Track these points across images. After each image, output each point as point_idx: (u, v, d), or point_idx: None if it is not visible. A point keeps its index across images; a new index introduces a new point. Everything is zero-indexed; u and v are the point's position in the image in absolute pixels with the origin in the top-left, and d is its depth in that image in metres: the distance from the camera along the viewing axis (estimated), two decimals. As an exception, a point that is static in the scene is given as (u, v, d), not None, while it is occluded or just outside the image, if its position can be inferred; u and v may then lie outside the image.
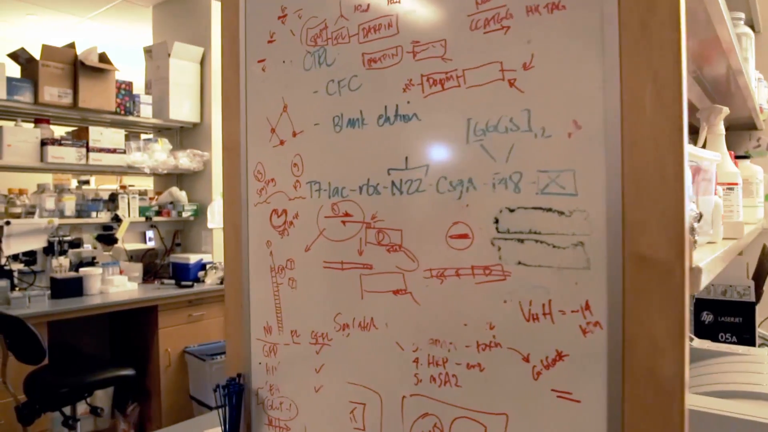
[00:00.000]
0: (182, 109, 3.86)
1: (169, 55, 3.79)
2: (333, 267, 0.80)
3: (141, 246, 4.47)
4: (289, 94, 0.85)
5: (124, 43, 5.12)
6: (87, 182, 5.59)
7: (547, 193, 0.62)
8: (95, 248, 3.84)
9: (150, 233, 4.93)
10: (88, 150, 3.40)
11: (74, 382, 2.57)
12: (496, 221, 0.65)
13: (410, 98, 0.72)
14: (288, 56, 0.85)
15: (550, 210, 0.62)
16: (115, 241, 4.24)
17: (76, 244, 3.93)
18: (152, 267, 4.01)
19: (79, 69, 3.31)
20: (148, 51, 3.93)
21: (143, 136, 3.94)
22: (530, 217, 0.63)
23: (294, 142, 0.85)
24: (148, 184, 4.26)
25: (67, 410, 2.67)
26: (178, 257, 3.87)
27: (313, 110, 0.82)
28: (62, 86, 3.27)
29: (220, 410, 0.94)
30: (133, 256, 3.99)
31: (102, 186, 5.36)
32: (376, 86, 0.75)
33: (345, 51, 0.78)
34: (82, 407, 2.82)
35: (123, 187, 3.90)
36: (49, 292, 3.18)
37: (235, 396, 0.93)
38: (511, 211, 0.64)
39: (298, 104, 0.84)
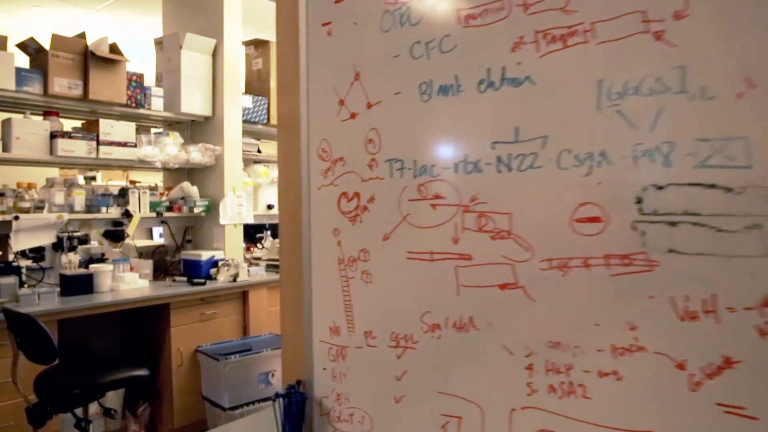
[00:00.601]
0: (194, 102, 3.75)
1: (180, 46, 3.68)
2: (420, 258, 0.70)
3: (148, 243, 4.36)
4: (362, 61, 0.74)
5: (132, 36, 5.01)
6: (93, 178, 5.47)
7: (710, 165, 0.51)
8: (101, 245, 3.73)
9: (159, 229, 4.83)
10: (98, 143, 3.29)
11: (87, 382, 2.46)
12: (639, 201, 0.55)
13: (521, 59, 0.61)
14: (360, 17, 0.74)
15: (713, 186, 0.51)
16: (123, 238, 4.13)
17: (83, 240, 3.83)
18: (162, 264, 3.90)
19: (90, 60, 3.19)
20: (158, 42, 3.82)
21: (153, 130, 3.84)
22: (686, 196, 0.52)
23: (369, 115, 0.74)
24: (156, 180, 4.15)
25: (78, 412, 2.56)
26: (190, 254, 3.76)
27: (394, 77, 0.71)
28: (72, 77, 3.16)
29: (278, 422, 0.83)
30: (142, 253, 3.88)
31: (110, 182, 5.25)
32: (476, 46, 0.64)
33: (434, 7, 0.67)
34: (92, 408, 2.72)
35: (133, 182, 3.79)
36: (58, 289, 3.07)
37: (296, 406, 0.81)
38: (659, 188, 0.53)
39: (373, 71, 0.73)
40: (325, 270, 0.81)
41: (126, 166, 3.72)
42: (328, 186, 0.79)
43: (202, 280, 3.48)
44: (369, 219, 0.75)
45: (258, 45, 4.23)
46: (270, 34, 4.60)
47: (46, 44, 3.10)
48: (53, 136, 3.12)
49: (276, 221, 4.71)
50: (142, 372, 2.59)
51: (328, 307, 0.81)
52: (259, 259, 4.21)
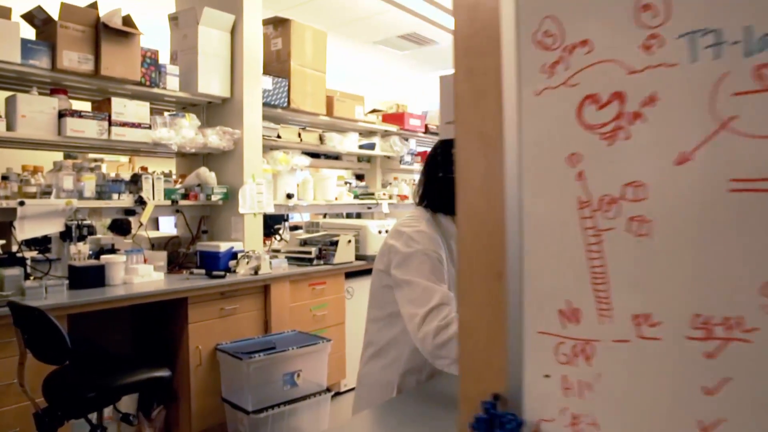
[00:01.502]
0: (211, 82, 3.49)
1: (197, 22, 3.42)
2: (755, 188, 0.44)
3: (159, 234, 4.10)
4: None
5: (143, 11, 4.72)
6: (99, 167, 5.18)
7: None
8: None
9: (169, 220, 4.56)
10: (110, 124, 3.03)
11: (102, 384, 2.21)
12: None
13: None
14: None
15: None
16: (129, 230, 3.87)
17: (90, 231, 3.57)
18: (176, 256, 3.65)
19: (102, 32, 2.94)
20: (173, 18, 3.56)
21: (165, 113, 3.58)
22: None
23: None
24: (165, 168, 3.89)
25: (92, 417, 2.31)
26: (207, 245, 3.51)
27: None
28: (83, 51, 2.90)
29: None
30: (154, 244, 3.63)
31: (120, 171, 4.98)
32: None
33: None
34: (106, 413, 2.46)
35: (144, 168, 3.53)
36: (67, 281, 2.81)
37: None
38: None
39: None
40: (549, 220, 0.54)
41: (139, 149, 3.46)
42: (557, 88, 0.53)
43: (222, 273, 3.23)
44: (644, 132, 0.48)
45: (277, 24, 3.97)
46: (290, 14, 4.34)
47: (54, 14, 2.85)
48: (62, 115, 2.87)
49: (296, 212, 4.45)
50: (164, 373, 2.34)
51: (555, 280, 0.54)
52: (278, 251, 3.96)
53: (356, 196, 4.84)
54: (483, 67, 0.60)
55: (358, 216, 5.25)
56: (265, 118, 3.79)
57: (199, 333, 3.09)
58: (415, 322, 1.36)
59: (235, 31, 3.58)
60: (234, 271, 3.37)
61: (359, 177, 5.62)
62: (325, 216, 5.04)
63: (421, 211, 1.60)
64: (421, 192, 1.63)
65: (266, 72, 3.76)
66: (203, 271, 3.26)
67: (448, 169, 1.55)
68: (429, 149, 5.93)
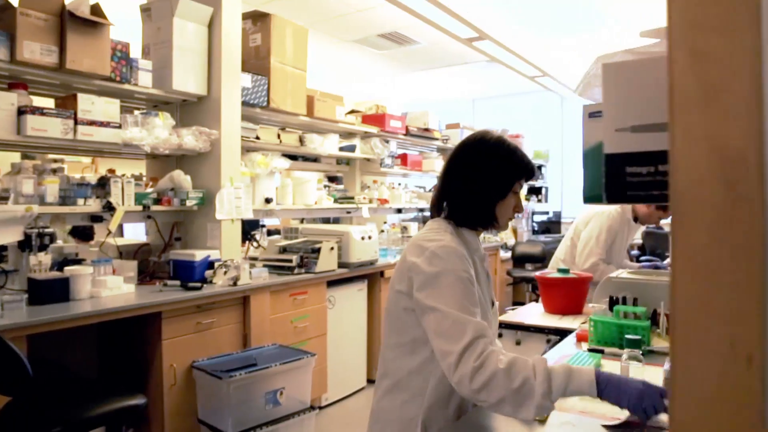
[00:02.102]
0: (187, 79, 3.25)
1: (172, 14, 3.18)
2: None
3: (126, 241, 3.82)
4: None
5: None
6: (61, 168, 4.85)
7: None
8: (66, 243, 3.19)
9: (137, 226, 4.28)
10: (76, 122, 2.76)
11: (69, 417, 1.96)
12: None
13: None
14: None
15: None
16: (92, 236, 3.59)
17: (52, 240, 3.29)
18: (146, 265, 3.40)
19: (68, 22, 2.67)
20: (146, 9, 3.31)
21: (136, 111, 3.32)
22: None
23: None
24: (133, 171, 3.62)
25: (57, 451, 2.06)
26: (181, 254, 3.27)
27: None
28: (45, 41, 2.63)
29: None
30: (122, 252, 3.37)
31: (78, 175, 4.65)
32: None
33: None
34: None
35: (112, 170, 3.26)
36: (26, 296, 2.55)
37: None
38: None
39: None
40: None
41: (103, 150, 3.19)
42: None
43: (199, 285, 3.00)
44: None
45: (257, 19, 3.75)
46: (269, 8, 4.12)
47: (14, 0, 2.57)
48: (21, 112, 2.59)
49: (274, 217, 4.23)
50: (138, 401, 2.11)
51: None
52: (255, 259, 3.74)
53: (336, 200, 4.65)
54: (722, 50, 0.44)
55: (336, 221, 5.06)
56: (244, 118, 3.56)
57: (174, 350, 2.85)
58: (449, 362, 1.20)
59: (212, 25, 3.35)
60: (211, 282, 3.14)
61: (332, 179, 5.42)
62: (302, 221, 4.83)
63: (441, 223, 1.44)
64: (442, 203, 1.47)
65: (244, 69, 3.54)
66: (178, 282, 3.02)
67: (472, 177, 1.40)
68: (408, 152, 5.73)
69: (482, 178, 1.37)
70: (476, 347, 1.18)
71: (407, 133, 5.31)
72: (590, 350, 1.76)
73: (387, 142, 5.04)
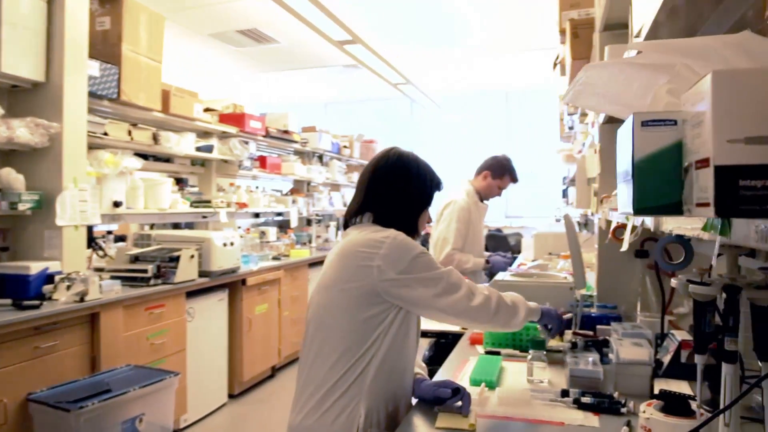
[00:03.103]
0: (19, 60, 2.77)
1: (-1, -18, 2.69)
2: None
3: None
4: None
5: None
6: None
7: None
8: None
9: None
10: None
11: None
12: None
13: None
14: None
15: None
16: None
17: None
18: (-39, 281, 2.82)
19: None
20: (-38, -27, 2.75)
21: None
22: None
23: None
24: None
25: None
26: (10, 266, 2.78)
27: None
28: None
29: None
30: (-72, 267, 2.76)
31: None
32: None
33: None
34: None
35: None
36: None
37: None
38: None
39: None
40: None
41: None
42: None
43: (36, 303, 2.57)
44: None
45: (104, 0, 3.33)
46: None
47: None
48: None
49: (122, 222, 3.80)
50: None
51: None
52: (101, 270, 3.31)
53: (192, 204, 4.31)
54: None
55: (187, 226, 4.70)
56: (90, 110, 3.14)
57: (4, 383, 2.40)
58: (458, 299, 1.37)
59: (53, 1, 2.90)
60: (51, 299, 2.71)
61: (179, 181, 5.02)
62: (152, 227, 4.41)
63: (373, 226, 1.46)
64: (362, 212, 1.48)
65: (90, 55, 3.12)
66: (9, 301, 2.56)
67: (401, 190, 1.48)
68: (264, 153, 5.52)
69: (411, 191, 1.48)
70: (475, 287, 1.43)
71: (267, 134, 5.12)
72: (488, 353, 1.82)
73: (246, 143, 4.81)
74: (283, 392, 4.40)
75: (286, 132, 5.44)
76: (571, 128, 4.62)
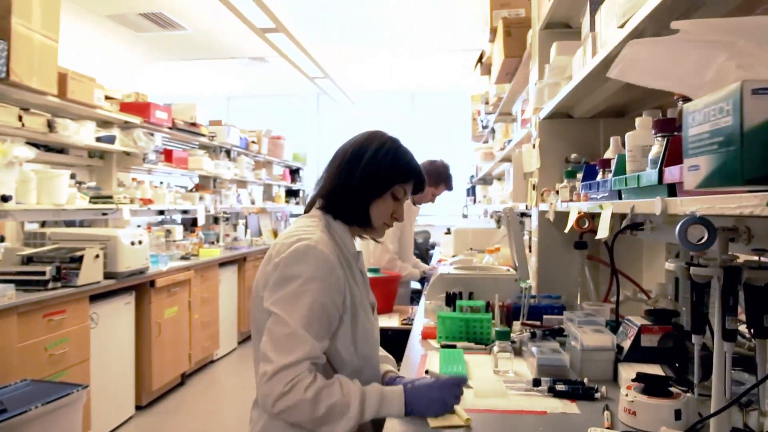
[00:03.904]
0: None
1: None
2: None
3: None
4: None
5: None
6: None
7: None
8: None
9: None
10: None
11: None
12: None
13: None
14: None
15: None
16: None
17: None
18: None
19: None
20: None
21: None
22: None
23: None
24: None
25: None
26: None
27: None
28: None
29: None
30: None
31: None
32: None
33: None
34: None
35: None
36: None
37: None
38: None
39: None
40: None
41: None
42: None
43: None
44: None
45: (-10, -35, 2.92)
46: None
47: None
48: None
49: (24, 219, 3.37)
50: None
51: None
52: (-14, 273, 2.91)
53: (91, 200, 3.93)
54: None
55: (81, 224, 4.27)
56: (-26, 90, 2.74)
57: None
58: (264, 371, 1.13)
59: (-73, -39, 2.49)
60: (-71, 307, 2.33)
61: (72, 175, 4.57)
62: (43, 224, 3.96)
63: (315, 215, 1.34)
64: (326, 191, 1.34)
65: (-26, 27, 2.72)
66: None
67: (351, 171, 1.32)
68: (177, 147, 5.20)
69: (361, 172, 1.29)
70: (295, 370, 1.12)
71: (174, 126, 4.79)
72: (443, 346, 1.79)
73: (152, 134, 4.47)
74: (194, 401, 4.13)
75: (193, 124, 5.13)
76: (485, 127, 4.78)
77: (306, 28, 4.96)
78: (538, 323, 1.91)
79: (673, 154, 0.97)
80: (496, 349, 1.53)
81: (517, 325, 1.93)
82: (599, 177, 1.49)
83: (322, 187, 1.35)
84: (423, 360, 1.69)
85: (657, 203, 0.94)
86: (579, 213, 1.53)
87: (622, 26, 1.14)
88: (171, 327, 4.12)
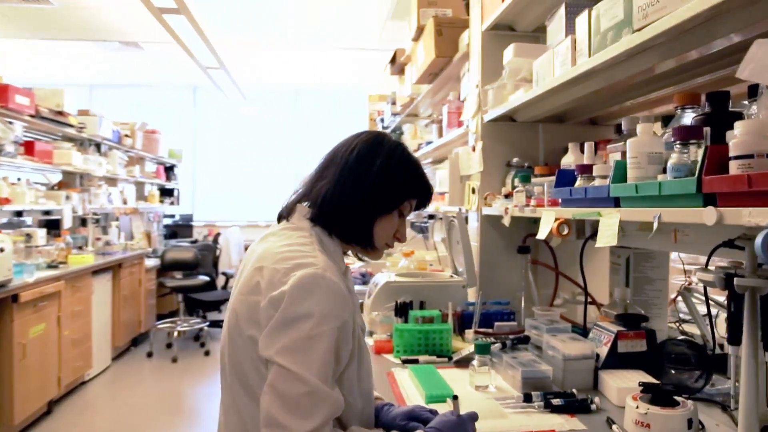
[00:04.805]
0: None
1: None
2: None
3: None
4: None
5: None
6: None
7: None
8: None
9: None
10: None
11: None
12: None
13: None
14: None
15: None
16: None
17: None
18: None
19: None
20: None
21: None
22: None
23: None
24: None
25: None
26: None
27: None
28: None
29: None
30: None
31: None
32: None
33: None
34: None
35: None
36: None
37: None
38: None
39: None
40: None
41: None
42: None
43: None
44: None
45: None
46: None
47: None
48: None
49: None
50: None
51: None
52: None
53: (-68, 199, 3.25)
54: None
55: None
56: None
57: None
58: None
59: None
60: None
61: None
62: None
63: (303, 226, 1.08)
64: (321, 200, 1.08)
65: None
66: None
67: (358, 180, 1.09)
68: (38, 139, 4.52)
69: (371, 183, 1.08)
70: None
71: (37, 114, 4.15)
72: (405, 361, 1.67)
73: (11, 123, 3.82)
74: (65, 433, 3.60)
75: (60, 113, 4.49)
76: (386, 127, 4.73)
77: (200, 11, 4.55)
78: (490, 331, 1.87)
79: (714, 163, 0.94)
80: (476, 363, 1.45)
81: (470, 333, 1.87)
82: (579, 183, 1.46)
83: (315, 194, 1.10)
84: (391, 379, 1.55)
85: (710, 213, 0.90)
86: (559, 219, 1.50)
87: (639, 30, 1.11)
88: (37, 348, 3.55)
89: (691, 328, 1.73)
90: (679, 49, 1.15)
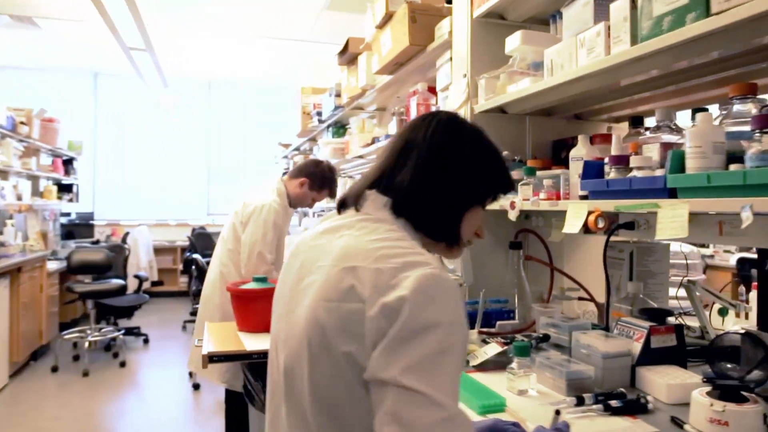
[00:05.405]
0: None
1: None
2: None
3: None
4: None
5: None
6: None
7: None
8: None
9: None
10: None
11: None
12: None
13: None
14: None
15: None
16: None
17: None
18: None
19: None
20: None
21: None
22: None
23: None
24: None
25: None
26: None
27: None
28: None
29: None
30: None
31: None
32: None
33: None
34: None
35: None
36: None
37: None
38: None
39: None
40: None
41: None
42: None
43: None
44: None
45: None
46: None
47: None
48: None
49: None
50: None
51: None
52: None
53: None
54: None
55: None
56: None
57: None
58: None
59: None
60: None
61: None
62: None
63: (392, 224, 0.92)
64: (408, 191, 0.93)
65: None
66: None
67: (451, 169, 0.95)
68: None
69: (460, 173, 0.95)
70: None
71: None
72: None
73: None
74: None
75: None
76: (323, 121, 4.54)
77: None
78: (494, 330, 1.80)
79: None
80: (515, 366, 1.35)
81: (473, 334, 1.78)
82: (612, 174, 1.41)
83: (396, 183, 0.94)
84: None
85: None
86: (595, 212, 1.44)
87: (717, 13, 1.06)
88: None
89: (692, 321, 1.77)
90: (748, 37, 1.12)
